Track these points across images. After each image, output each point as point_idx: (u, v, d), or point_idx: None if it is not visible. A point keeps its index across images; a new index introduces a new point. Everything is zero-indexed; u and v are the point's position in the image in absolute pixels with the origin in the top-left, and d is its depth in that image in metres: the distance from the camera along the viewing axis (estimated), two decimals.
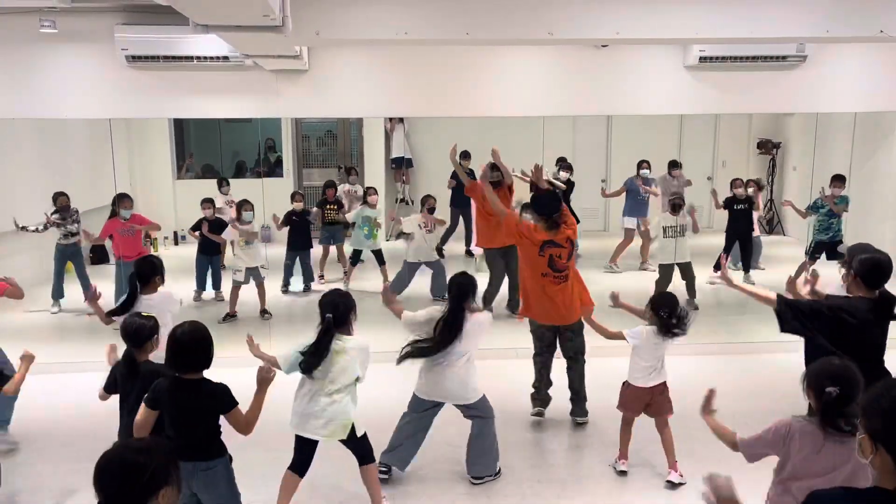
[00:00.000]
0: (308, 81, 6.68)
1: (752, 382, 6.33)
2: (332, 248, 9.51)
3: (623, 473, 4.78)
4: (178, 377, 3.38)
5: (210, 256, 8.58)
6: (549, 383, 5.52)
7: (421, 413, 4.65)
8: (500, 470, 4.76)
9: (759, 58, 6.61)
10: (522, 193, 7.63)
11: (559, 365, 5.53)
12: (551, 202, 5.27)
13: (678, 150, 11.55)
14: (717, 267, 9.18)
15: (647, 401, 4.73)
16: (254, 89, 6.67)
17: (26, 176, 8.49)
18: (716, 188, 9.80)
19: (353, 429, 4.03)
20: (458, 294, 4.49)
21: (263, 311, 8.04)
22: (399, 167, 11.83)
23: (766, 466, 3.03)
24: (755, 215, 9.40)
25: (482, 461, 4.67)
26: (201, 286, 8.68)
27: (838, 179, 8.26)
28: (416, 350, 4.45)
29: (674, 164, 10.11)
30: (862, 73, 6.90)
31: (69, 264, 8.28)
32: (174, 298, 5.02)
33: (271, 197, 9.26)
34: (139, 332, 3.82)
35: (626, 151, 10.45)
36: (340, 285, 9.00)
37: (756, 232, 9.50)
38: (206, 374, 3.45)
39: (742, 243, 9.13)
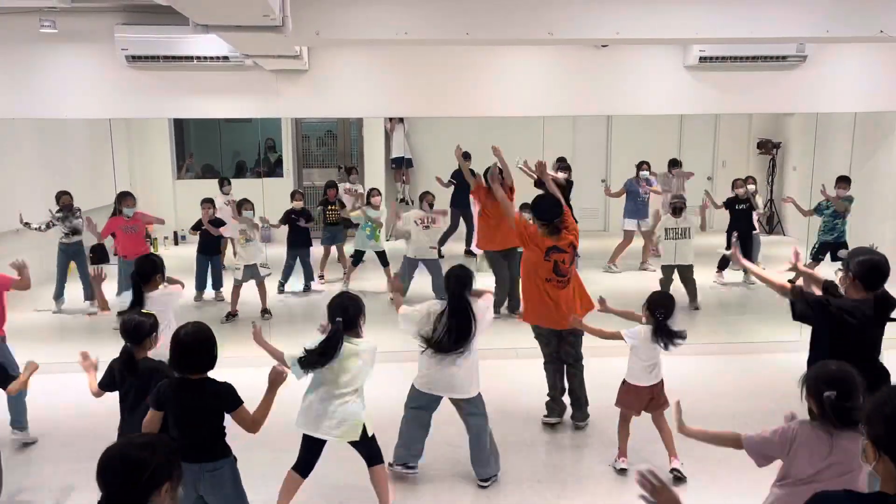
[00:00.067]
0: (308, 81, 6.68)
1: (752, 382, 6.34)
2: (333, 249, 9.51)
3: (623, 472, 4.78)
4: (182, 377, 3.38)
5: (210, 256, 8.58)
6: (564, 390, 5.52)
7: (419, 409, 4.65)
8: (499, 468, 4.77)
9: (759, 58, 6.61)
10: (522, 194, 7.61)
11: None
12: (552, 207, 5.27)
13: (678, 150, 11.53)
14: (721, 268, 9.19)
15: (647, 399, 4.75)
16: (254, 89, 6.67)
17: (26, 176, 8.48)
18: (707, 189, 9.81)
19: (363, 429, 4.05)
20: (458, 284, 4.49)
21: (264, 311, 8.05)
22: (399, 167, 11.82)
23: (767, 468, 3.03)
24: (755, 215, 9.40)
25: (488, 461, 4.68)
26: (201, 286, 8.68)
27: (843, 181, 8.26)
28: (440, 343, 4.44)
29: (674, 163, 10.11)
30: (862, 73, 6.90)
31: (71, 265, 8.29)
32: (176, 293, 5.02)
33: (271, 197, 9.26)
34: (138, 330, 3.82)
35: (626, 151, 10.43)
36: (340, 285, 9.02)
37: (756, 230, 9.51)
38: (210, 373, 3.46)
39: (743, 243, 9.13)
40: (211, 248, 8.57)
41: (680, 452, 4.75)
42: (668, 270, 8.18)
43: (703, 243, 9.86)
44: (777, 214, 11.88)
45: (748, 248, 9.18)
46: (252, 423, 3.44)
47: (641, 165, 9.92)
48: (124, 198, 7.80)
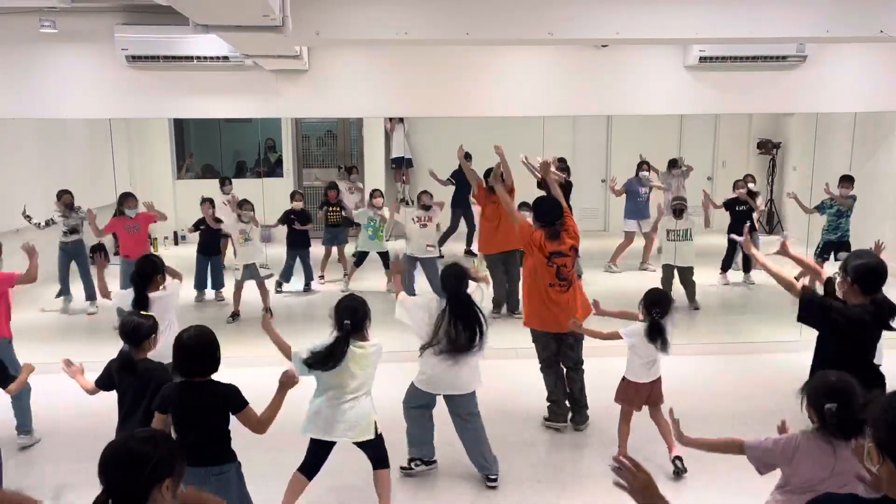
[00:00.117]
0: (308, 81, 6.68)
1: (752, 382, 6.33)
2: (334, 250, 9.51)
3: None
4: (185, 381, 3.39)
5: (209, 256, 8.58)
6: (566, 393, 5.51)
7: (421, 408, 4.66)
8: None
9: (759, 58, 6.61)
10: (522, 194, 7.61)
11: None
12: (552, 210, 5.26)
13: (678, 150, 11.52)
14: (724, 269, 9.19)
15: (647, 395, 4.77)
16: (254, 89, 6.67)
17: (26, 176, 8.49)
18: (706, 190, 9.80)
19: (374, 426, 4.08)
20: (455, 282, 4.49)
21: (265, 311, 8.05)
22: (399, 167, 11.82)
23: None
24: (755, 216, 9.40)
25: (491, 457, 4.68)
26: (201, 286, 8.68)
27: (847, 180, 8.27)
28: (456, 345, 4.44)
29: (673, 164, 10.12)
30: (862, 73, 6.90)
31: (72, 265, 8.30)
32: (176, 292, 5.02)
33: (271, 197, 9.26)
34: (137, 331, 3.82)
35: (626, 151, 10.43)
36: (341, 286, 9.02)
37: (755, 231, 9.51)
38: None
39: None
40: (210, 248, 8.57)
41: (680, 452, 4.76)
42: (668, 270, 8.19)
43: (704, 243, 9.86)
44: (777, 214, 11.88)
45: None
46: (259, 424, 3.45)
47: (641, 165, 9.91)
48: (126, 199, 7.81)
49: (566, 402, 5.49)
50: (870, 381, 3.05)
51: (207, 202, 8.50)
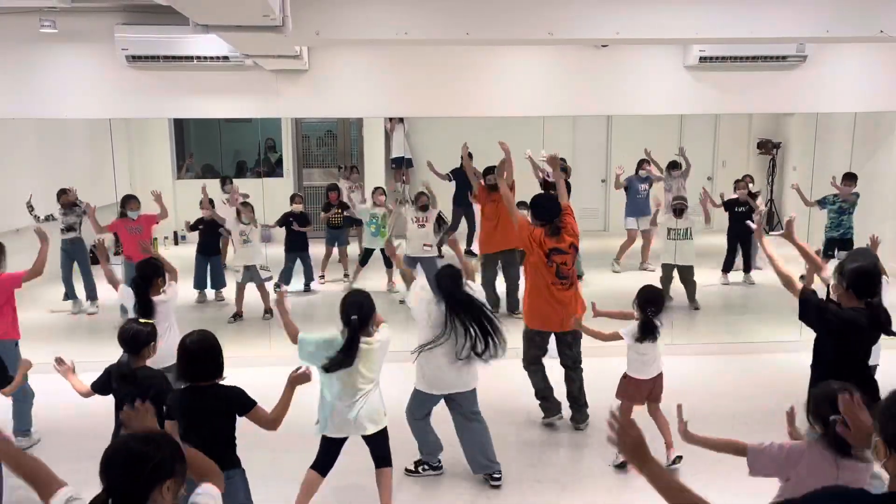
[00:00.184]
0: (308, 81, 6.68)
1: (751, 382, 6.34)
2: (335, 250, 9.51)
3: (623, 466, 4.78)
4: (190, 385, 3.39)
5: (209, 257, 8.58)
6: (551, 387, 5.53)
7: (425, 412, 4.66)
8: None
9: (759, 58, 6.61)
10: (521, 194, 7.61)
11: (557, 369, 5.53)
12: (551, 207, 5.27)
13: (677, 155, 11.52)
14: (725, 270, 9.18)
15: (647, 392, 4.78)
16: (254, 89, 6.67)
17: (26, 176, 8.48)
18: (705, 187, 9.78)
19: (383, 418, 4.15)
20: (452, 283, 4.49)
21: (266, 312, 8.06)
22: (399, 167, 11.82)
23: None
24: (755, 216, 9.39)
25: (494, 456, 4.68)
26: (201, 286, 8.68)
27: (849, 178, 8.27)
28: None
29: (674, 165, 10.11)
30: (862, 73, 6.90)
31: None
32: (173, 296, 5.02)
33: (271, 197, 9.26)
34: (136, 339, 3.81)
35: (626, 151, 10.42)
36: (341, 285, 9.01)
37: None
38: None
39: (743, 245, 9.15)
40: (210, 248, 8.57)
41: (680, 451, 4.76)
42: (668, 269, 8.19)
43: (705, 244, 9.86)
44: (777, 214, 11.87)
45: (747, 250, 9.19)
46: (270, 422, 3.46)
47: (641, 164, 9.92)
48: (129, 201, 7.81)
49: (554, 396, 5.50)
50: (863, 384, 3.03)
51: (208, 202, 8.50)
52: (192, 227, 8.63)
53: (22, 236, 7.84)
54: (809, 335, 3.94)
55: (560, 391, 5.53)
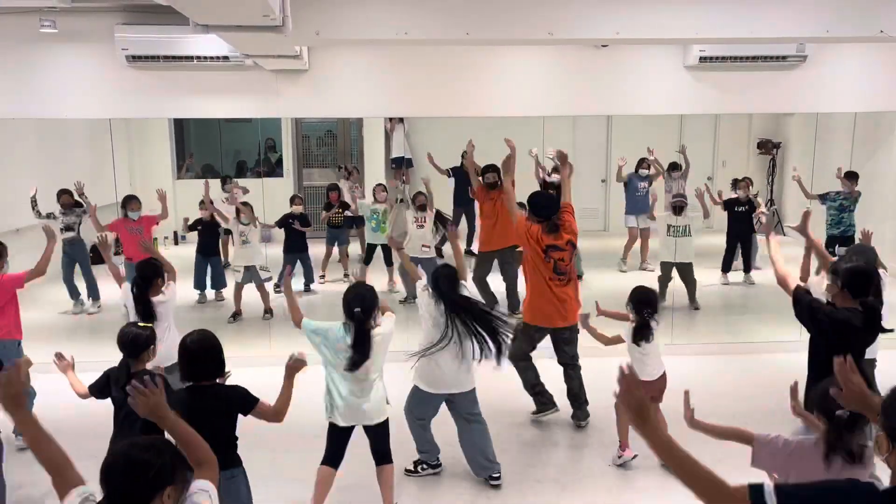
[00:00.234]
0: (308, 81, 6.69)
1: (751, 382, 6.34)
2: (335, 250, 9.51)
3: (626, 465, 4.78)
4: (192, 385, 3.39)
5: (208, 257, 8.58)
6: (541, 381, 5.55)
7: (424, 411, 4.66)
8: None
9: (759, 58, 6.61)
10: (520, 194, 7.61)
11: (554, 369, 5.54)
12: (548, 204, 5.29)
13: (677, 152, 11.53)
14: (725, 269, 9.18)
15: (654, 391, 4.78)
16: (254, 89, 6.67)
17: (26, 176, 8.48)
18: (706, 183, 9.77)
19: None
20: (448, 284, 4.49)
21: (266, 312, 8.06)
22: (399, 167, 11.82)
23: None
24: (754, 216, 9.40)
25: (494, 456, 4.68)
26: (201, 287, 8.69)
27: (851, 176, 8.29)
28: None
29: (674, 167, 10.12)
30: (862, 73, 6.90)
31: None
32: (172, 296, 5.03)
33: (271, 197, 9.26)
34: (136, 342, 3.81)
35: (626, 151, 10.41)
36: (342, 286, 9.01)
37: (755, 232, 9.51)
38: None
39: (742, 244, 9.15)
40: (209, 248, 8.57)
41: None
42: (667, 267, 8.19)
43: (705, 244, 9.85)
44: (777, 214, 11.87)
45: (748, 250, 9.20)
46: (275, 414, 3.47)
47: (641, 163, 9.93)
48: (129, 201, 7.82)
49: (546, 389, 5.52)
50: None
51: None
52: (191, 228, 8.63)
53: (22, 236, 7.85)
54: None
55: (558, 390, 5.53)
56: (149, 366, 3.88)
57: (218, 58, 6.27)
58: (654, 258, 9.31)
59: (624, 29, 5.11)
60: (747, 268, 9.18)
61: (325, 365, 4.07)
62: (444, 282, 4.48)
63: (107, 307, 8.06)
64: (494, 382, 5.47)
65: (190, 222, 8.56)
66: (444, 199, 9.87)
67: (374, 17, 5.00)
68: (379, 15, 5.00)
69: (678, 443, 2.03)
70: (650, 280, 8.34)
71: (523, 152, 7.81)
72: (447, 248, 10.13)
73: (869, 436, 2.78)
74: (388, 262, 8.96)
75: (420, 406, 4.65)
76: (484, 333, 4.40)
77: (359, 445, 4.23)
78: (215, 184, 9.55)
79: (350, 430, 4.13)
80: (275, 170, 11.87)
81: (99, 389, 3.89)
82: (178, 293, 5.16)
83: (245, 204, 8.21)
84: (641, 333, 4.66)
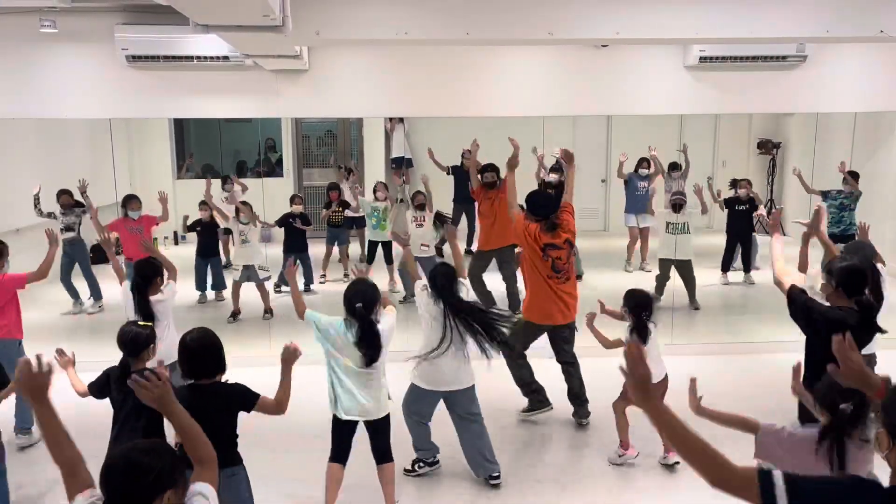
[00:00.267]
0: (308, 81, 6.69)
1: (751, 382, 6.34)
2: (335, 250, 9.51)
3: (630, 465, 4.79)
4: (192, 383, 3.40)
5: (207, 258, 8.59)
6: (535, 379, 5.57)
7: (423, 407, 4.66)
8: None
9: (759, 58, 6.61)
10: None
11: (552, 369, 5.54)
12: (546, 203, 5.30)
13: (678, 150, 11.54)
14: (724, 269, 9.18)
15: (659, 394, 4.78)
16: (254, 89, 6.67)
17: (26, 176, 8.49)
18: (709, 178, 9.74)
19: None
20: (447, 282, 4.49)
21: (266, 312, 8.06)
22: (399, 167, 11.82)
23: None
24: (755, 216, 9.41)
25: (493, 456, 4.68)
26: (202, 287, 8.70)
27: (851, 176, 8.30)
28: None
29: (673, 167, 10.13)
30: (862, 73, 6.90)
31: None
32: (171, 294, 5.03)
33: (272, 197, 9.26)
34: (136, 341, 3.81)
35: (626, 151, 10.43)
36: (342, 286, 9.01)
37: (754, 231, 9.51)
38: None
39: (742, 243, 9.16)
40: (208, 249, 8.58)
41: (678, 457, 4.77)
42: (665, 265, 8.18)
43: (705, 243, 9.85)
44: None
45: (747, 249, 9.20)
46: (277, 406, 3.48)
47: (641, 163, 9.94)
48: (130, 201, 7.82)
49: (542, 386, 5.54)
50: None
51: (206, 205, 8.50)
52: (190, 229, 8.63)
53: (22, 236, 7.85)
54: None
55: (559, 389, 5.53)
56: (149, 365, 3.88)
57: (218, 58, 6.27)
58: (654, 258, 9.31)
59: (624, 29, 5.11)
60: (747, 268, 9.18)
61: (326, 358, 4.07)
62: (442, 280, 4.49)
63: (108, 307, 8.06)
64: (494, 382, 5.48)
65: (189, 223, 8.56)
66: (444, 197, 9.88)
67: (374, 17, 5.00)
68: (379, 15, 5.00)
69: (681, 420, 1.99)
70: (651, 280, 8.37)
71: (525, 152, 7.81)
72: (447, 248, 10.15)
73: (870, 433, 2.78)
74: (389, 260, 8.95)
75: (417, 403, 4.66)
76: (482, 331, 4.40)
77: (359, 445, 4.23)
78: (216, 184, 9.56)
79: (354, 424, 4.14)
80: (275, 170, 11.87)
81: (98, 388, 3.89)
82: (179, 293, 5.17)
83: (244, 203, 8.21)
84: (638, 335, 4.66)
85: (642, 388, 2.03)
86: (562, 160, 5.52)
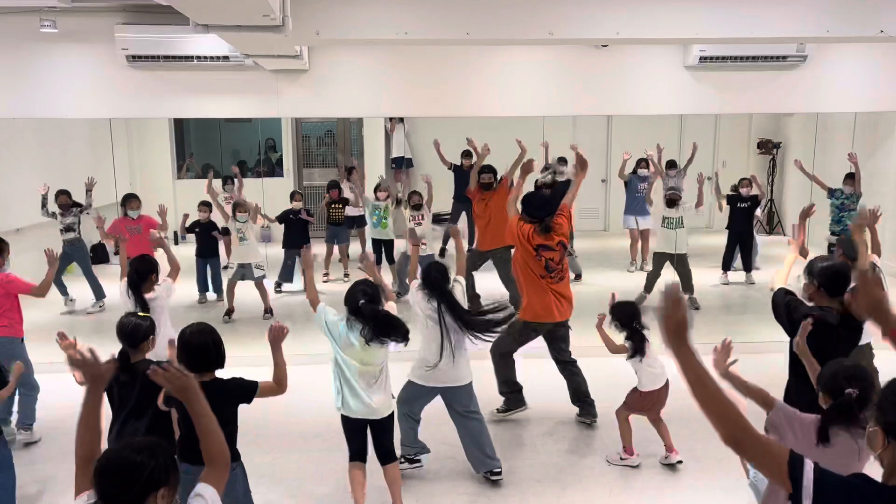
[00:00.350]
0: (308, 81, 6.69)
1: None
2: (336, 249, 9.52)
3: (636, 466, 4.80)
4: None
5: (207, 259, 8.59)
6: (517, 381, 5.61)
7: (416, 403, 4.67)
8: None
9: (759, 58, 6.61)
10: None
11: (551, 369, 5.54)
12: (543, 205, 5.30)
13: (678, 150, 11.55)
14: (725, 268, 9.18)
15: (659, 400, 4.78)
16: (254, 89, 6.68)
17: (26, 176, 8.50)
18: (717, 173, 9.72)
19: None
20: (440, 278, 4.49)
21: (266, 311, 8.05)
22: (399, 167, 11.84)
23: None
24: (756, 212, 9.41)
25: (493, 452, 4.68)
26: (203, 288, 8.70)
27: (851, 177, 8.31)
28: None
29: (671, 165, 10.15)
30: (862, 73, 6.90)
31: (70, 266, 8.29)
32: (171, 286, 5.03)
33: (272, 197, 9.27)
34: (135, 333, 3.81)
35: (627, 152, 10.45)
36: (342, 285, 9.01)
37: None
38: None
39: (743, 242, 9.15)
40: (207, 250, 8.57)
41: (682, 452, 4.77)
42: (661, 258, 8.17)
43: (704, 242, 9.85)
44: (777, 214, 11.89)
45: (748, 248, 9.20)
46: (277, 386, 3.50)
47: (640, 163, 9.94)
48: (129, 200, 7.82)
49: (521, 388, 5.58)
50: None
51: (205, 205, 8.51)
52: (189, 230, 8.63)
53: (23, 236, 7.86)
54: None
55: (556, 389, 5.53)
56: (149, 355, 3.88)
57: (218, 58, 6.27)
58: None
59: (624, 29, 5.12)
60: (748, 268, 9.18)
61: (333, 356, 4.07)
62: (435, 275, 4.50)
63: (109, 307, 8.06)
64: (494, 381, 5.48)
65: (187, 224, 8.56)
66: (444, 196, 9.90)
67: (374, 17, 5.00)
68: (379, 15, 5.00)
69: (709, 373, 1.98)
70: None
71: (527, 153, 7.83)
72: (450, 245, 10.16)
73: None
74: (391, 259, 8.96)
75: (412, 400, 4.66)
76: (465, 327, 4.42)
77: None
78: (217, 183, 9.56)
79: (363, 422, 4.13)
80: (275, 170, 11.89)
81: None
82: (178, 292, 5.17)
83: (241, 203, 8.21)
84: (637, 348, 4.68)
85: (678, 331, 2.00)
86: (575, 164, 5.51)
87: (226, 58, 6.26)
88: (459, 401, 4.61)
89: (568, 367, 5.47)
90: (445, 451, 4.93)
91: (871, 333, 4.51)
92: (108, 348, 4.17)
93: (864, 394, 2.69)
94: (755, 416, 2.92)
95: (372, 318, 3.90)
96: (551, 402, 5.66)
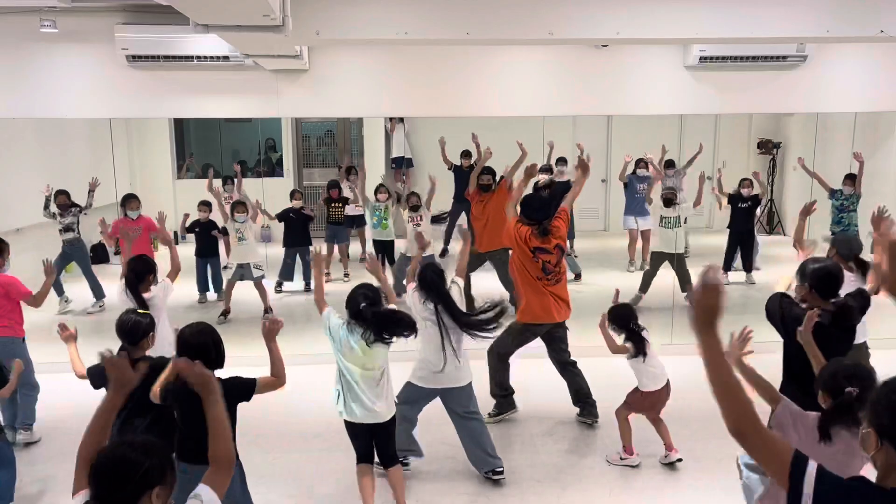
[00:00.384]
0: (308, 81, 6.69)
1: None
2: (336, 249, 9.52)
3: (637, 466, 4.80)
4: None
5: (207, 259, 8.59)
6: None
7: (414, 404, 4.66)
8: None
9: (759, 58, 6.61)
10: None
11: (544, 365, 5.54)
12: (542, 207, 5.30)
13: (678, 150, 11.53)
14: (725, 268, 9.18)
15: (660, 400, 4.79)
16: (254, 89, 6.67)
17: (26, 176, 8.49)
18: (721, 171, 9.73)
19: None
20: (436, 278, 4.50)
21: (266, 311, 8.05)
22: (399, 167, 11.83)
23: None
24: (757, 211, 9.42)
25: (494, 451, 4.68)
26: (203, 288, 8.70)
27: (851, 178, 8.32)
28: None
29: (669, 164, 10.15)
30: (862, 73, 6.90)
31: (70, 266, 8.29)
32: (169, 286, 5.03)
33: (272, 197, 9.26)
34: (135, 330, 3.82)
35: (627, 151, 10.44)
36: (343, 285, 9.01)
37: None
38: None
39: (743, 242, 9.16)
40: (207, 250, 8.57)
41: (682, 451, 4.78)
42: (658, 258, 8.18)
43: (703, 242, 9.85)
44: (777, 214, 11.88)
45: (748, 248, 9.20)
46: (277, 381, 3.51)
47: (639, 163, 9.95)
48: (129, 200, 7.83)
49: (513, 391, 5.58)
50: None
51: (205, 205, 8.51)
52: (189, 230, 8.63)
53: (23, 236, 7.86)
54: None
55: (556, 389, 5.53)
56: (149, 353, 3.89)
57: (218, 58, 6.27)
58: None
59: (624, 29, 5.11)
60: (748, 268, 9.18)
61: (336, 360, 4.07)
62: (431, 275, 4.51)
63: (109, 307, 8.06)
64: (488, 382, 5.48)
65: (187, 224, 8.56)
66: (445, 196, 9.88)
67: (374, 17, 5.00)
68: (379, 15, 4.99)
69: (729, 364, 1.98)
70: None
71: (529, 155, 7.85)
72: (452, 247, 10.15)
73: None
74: (391, 260, 8.96)
75: (409, 400, 4.66)
76: (473, 326, 4.43)
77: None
78: (217, 183, 9.56)
79: (368, 426, 4.13)
80: (275, 170, 11.88)
81: (98, 376, 3.87)
82: (178, 292, 5.17)
83: (240, 202, 8.21)
84: (637, 348, 4.69)
85: (707, 316, 1.98)
86: (577, 166, 5.51)
87: (226, 58, 6.26)
88: (459, 402, 4.61)
89: (568, 367, 5.48)
90: (445, 451, 4.93)
91: (866, 333, 4.52)
92: (108, 347, 4.18)
93: (864, 393, 2.68)
94: (759, 412, 2.93)
95: (375, 319, 3.90)
96: (551, 402, 5.66)
